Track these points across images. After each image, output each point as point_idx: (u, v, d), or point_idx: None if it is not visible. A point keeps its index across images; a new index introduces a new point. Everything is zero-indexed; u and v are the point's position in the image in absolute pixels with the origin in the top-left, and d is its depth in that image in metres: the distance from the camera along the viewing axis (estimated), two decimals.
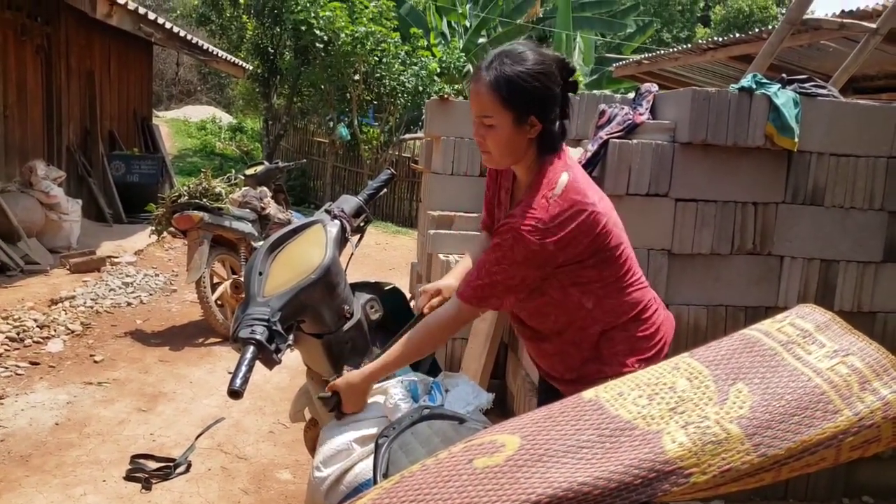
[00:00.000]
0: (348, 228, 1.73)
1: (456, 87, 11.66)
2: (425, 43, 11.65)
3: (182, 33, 8.83)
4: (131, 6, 6.90)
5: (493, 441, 0.85)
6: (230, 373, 3.97)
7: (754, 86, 2.35)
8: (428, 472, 0.81)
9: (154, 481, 2.56)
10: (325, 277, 1.54)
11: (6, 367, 3.58)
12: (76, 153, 7.92)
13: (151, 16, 7.59)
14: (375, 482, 1.34)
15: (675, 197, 2.47)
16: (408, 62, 10.67)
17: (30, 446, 2.81)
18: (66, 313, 4.46)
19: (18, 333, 3.99)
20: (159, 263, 6.28)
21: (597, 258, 1.50)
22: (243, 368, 1.36)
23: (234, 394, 1.34)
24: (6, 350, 3.78)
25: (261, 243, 4.78)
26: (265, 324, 1.43)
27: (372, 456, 1.46)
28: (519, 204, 1.48)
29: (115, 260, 6.02)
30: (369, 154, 11.40)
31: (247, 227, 4.55)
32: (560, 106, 1.49)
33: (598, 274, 1.52)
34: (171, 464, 2.67)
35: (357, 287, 1.76)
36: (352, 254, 1.76)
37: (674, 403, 0.83)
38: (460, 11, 14.64)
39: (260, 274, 1.55)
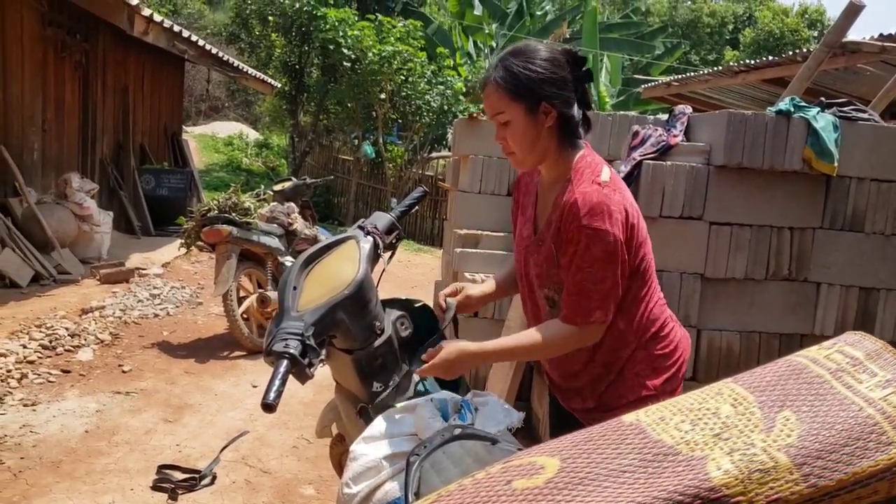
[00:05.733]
0: (380, 245, 1.74)
1: (481, 106, 11.74)
2: (451, 62, 11.76)
3: (214, 51, 9.04)
4: (167, 24, 7.10)
5: (532, 463, 0.84)
6: (254, 386, 3.99)
7: (792, 109, 2.33)
8: (466, 492, 0.81)
9: (180, 492, 2.57)
10: (358, 293, 1.54)
11: (39, 374, 3.66)
12: (109, 166, 8.11)
13: (185, 33, 7.79)
14: (406, 501, 1.33)
15: (709, 220, 2.45)
16: (433, 81, 10.78)
17: (61, 452, 2.86)
18: (95, 323, 4.54)
19: (51, 341, 4.07)
20: (186, 276, 6.36)
21: (632, 264, 1.47)
22: (277, 382, 1.36)
23: (268, 407, 1.34)
24: (39, 357, 3.86)
25: (288, 258, 4.84)
26: (299, 338, 1.43)
27: (402, 474, 1.45)
28: (564, 203, 1.43)
29: (144, 272, 6.12)
30: (393, 172, 11.49)
31: (274, 242, 4.59)
32: (576, 93, 1.46)
33: (630, 283, 1.50)
34: (197, 475, 2.68)
35: (387, 304, 1.76)
36: (383, 270, 1.77)
37: (718, 429, 0.82)
38: (487, 31, 14.78)
39: (294, 288, 1.56)
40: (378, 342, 1.62)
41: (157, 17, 6.84)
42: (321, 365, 1.54)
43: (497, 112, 1.45)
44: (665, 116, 2.85)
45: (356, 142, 12.18)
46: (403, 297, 1.84)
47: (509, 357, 1.56)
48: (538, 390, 3.16)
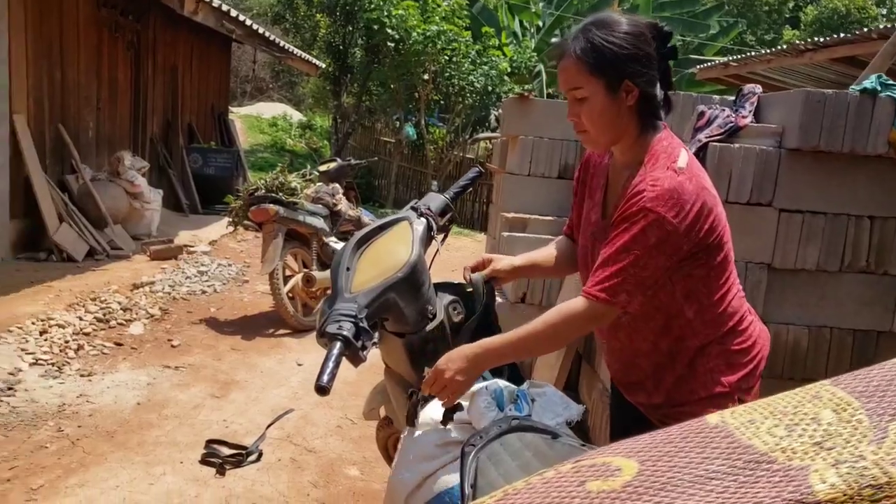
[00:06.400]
0: (434, 227, 1.69)
1: (526, 87, 11.53)
2: (496, 42, 11.55)
3: (261, 30, 9.08)
4: (215, 3, 7.14)
5: (607, 464, 0.77)
6: (299, 364, 4.00)
7: (879, 87, 2.15)
8: (535, 491, 0.74)
9: (228, 467, 2.59)
10: (411, 276, 1.49)
11: (94, 346, 3.76)
12: (158, 145, 8.26)
13: (233, 13, 7.83)
14: (462, 492, 1.28)
15: (779, 207, 2.32)
16: (478, 62, 10.61)
17: (115, 423, 2.94)
18: (146, 298, 4.63)
19: (105, 315, 4.18)
20: (232, 254, 6.45)
21: (707, 254, 1.37)
22: (330, 364, 1.32)
23: (322, 390, 1.30)
24: (94, 330, 3.97)
25: (332, 239, 4.83)
26: (352, 320, 1.39)
27: (455, 463, 1.40)
28: (633, 187, 1.33)
29: (191, 249, 6.23)
30: (434, 154, 11.42)
31: (319, 223, 4.60)
32: (660, 71, 1.36)
33: (705, 274, 1.40)
34: (244, 451, 2.69)
35: (439, 287, 1.71)
36: (436, 252, 1.72)
37: (819, 437, 0.73)
38: (533, 10, 14.48)
39: (347, 269, 1.52)
40: (430, 327, 1.57)
41: None
42: (373, 348, 1.50)
43: (573, 87, 1.36)
44: (734, 96, 2.70)
45: (398, 123, 12.13)
46: (455, 282, 1.79)
47: (521, 350, 1.40)
48: (587, 379, 3.07)
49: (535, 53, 12.55)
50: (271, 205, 4.28)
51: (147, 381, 3.41)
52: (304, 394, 3.43)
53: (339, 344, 1.34)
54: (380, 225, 1.64)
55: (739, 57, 7.22)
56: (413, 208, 1.71)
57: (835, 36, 5.46)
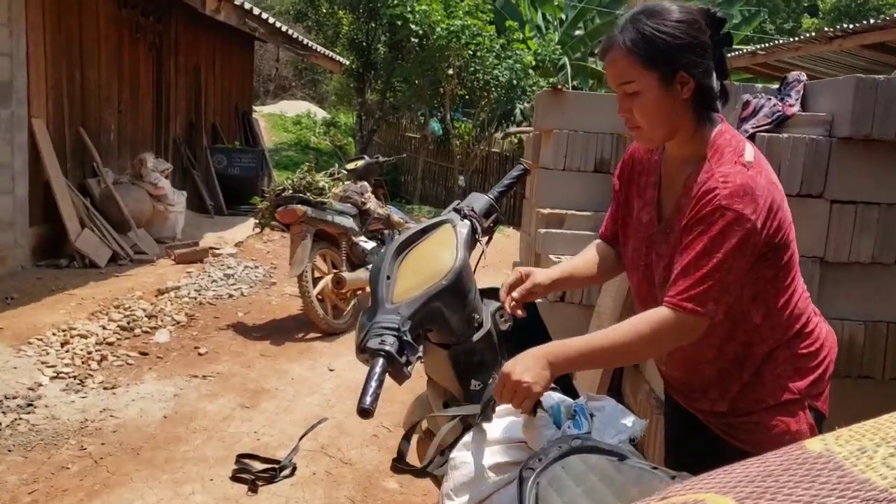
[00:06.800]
0: (478, 229, 1.59)
1: (551, 80, 11.37)
2: (520, 36, 11.42)
3: (284, 28, 9.03)
4: (237, 1, 7.09)
5: (699, 502, 0.66)
6: (331, 370, 3.88)
7: None
8: None
9: (260, 483, 2.50)
10: (457, 283, 1.39)
11: (118, 357, 3.67)
12: (182, 146, 8.26)
13: (256, 11, 7.78)
14: None
15: (830, 198, 2.21)
16: (502, 56, 10.50)
17: (140, 439, 2.84)
18: (171, 304, 4.57)
19: (129, 323, 4.09)
20: (258, 256, 6.39)
21: (775, 254, 1.29)
22: (373, 384, 1.22)
23: (365, 412, 1.20)
24: (118, 339, 3.88)
25: (361, 238, 4.71)
26: (395, 333, 1.29)
27: (510, 486, 1.30)
28: (700, 185, 1.24)
29: (217, 251, 6.18)
30: (460, 149, 11.33)
31: (348, 222, 4.50)
32: (714, 60, 1.29)
33: (773, 275, 1.32)
34: (277, 465, 2.61)
35: (485, 293, 1.61)
36: (481, 256, 1.61)
37: None
38: (556, 3, 14.29)
39: (388, 278, 1.42)
40: (477, 336, 1.47)
41: None
42: (418, 362, 1.40)
43: (624, 81, 1.27)
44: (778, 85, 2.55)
45: (423, 119, 12.05)
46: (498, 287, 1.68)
47: (597, 359, 1.31)
48: (632, 382, 2.94)
49: (559, 46, 12.37)
50: (299, 205, 4.20)
51: (174, 393, 3.32)
52: (336, 401, 3.33)
53: (381, 360, 1.25)
54: (421, 228, 1.55)
55: (767, 45, 7.01)
56: (456, 210, 1.61)
57: (864, 22, 5.24)
